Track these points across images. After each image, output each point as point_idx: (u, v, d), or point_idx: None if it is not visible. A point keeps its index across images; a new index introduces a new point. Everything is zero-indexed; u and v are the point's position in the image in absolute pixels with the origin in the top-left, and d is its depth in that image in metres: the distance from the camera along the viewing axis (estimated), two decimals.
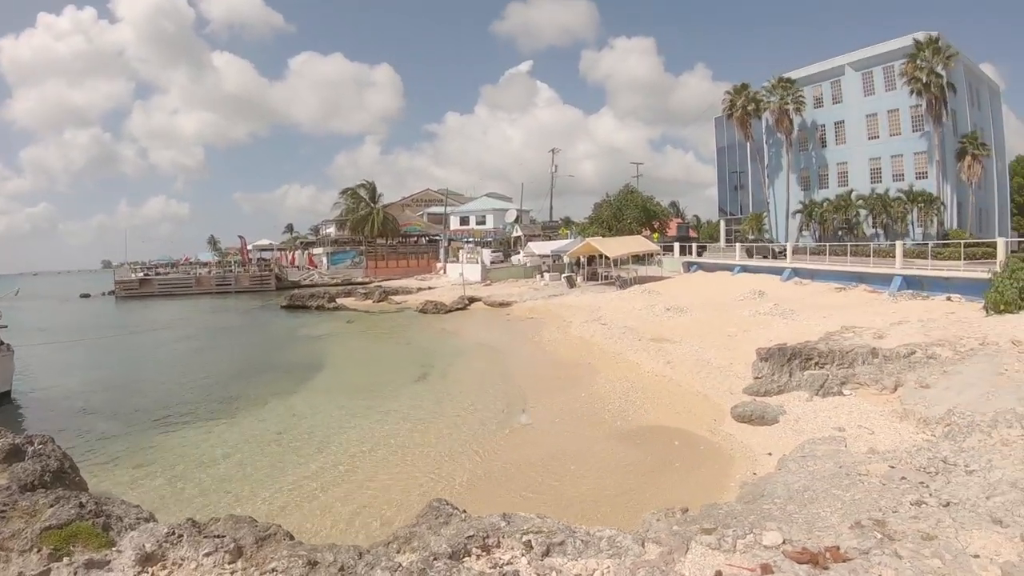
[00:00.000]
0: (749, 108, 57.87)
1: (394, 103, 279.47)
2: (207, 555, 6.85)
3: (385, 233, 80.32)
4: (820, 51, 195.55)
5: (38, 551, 7.22)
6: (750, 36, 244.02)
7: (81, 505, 8.07)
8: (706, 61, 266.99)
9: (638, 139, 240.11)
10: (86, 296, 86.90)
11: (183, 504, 11.97)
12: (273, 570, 6.50)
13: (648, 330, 26.68)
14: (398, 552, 6.48)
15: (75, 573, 6.78)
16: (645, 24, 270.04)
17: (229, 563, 6.71)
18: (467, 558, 6.02)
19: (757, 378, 17.30)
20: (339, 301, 51.31)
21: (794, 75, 57.46)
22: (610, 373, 20.88)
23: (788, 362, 16.89)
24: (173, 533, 7.33)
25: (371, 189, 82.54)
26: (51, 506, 8.20)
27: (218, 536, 7.22)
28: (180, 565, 6.90)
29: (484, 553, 6.10)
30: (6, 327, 23.51)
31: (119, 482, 12.74)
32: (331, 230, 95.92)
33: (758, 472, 11.50)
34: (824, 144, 57.42)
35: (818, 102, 57.41)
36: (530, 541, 6.28)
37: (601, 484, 12.23)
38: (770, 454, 12.35)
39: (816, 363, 16.75)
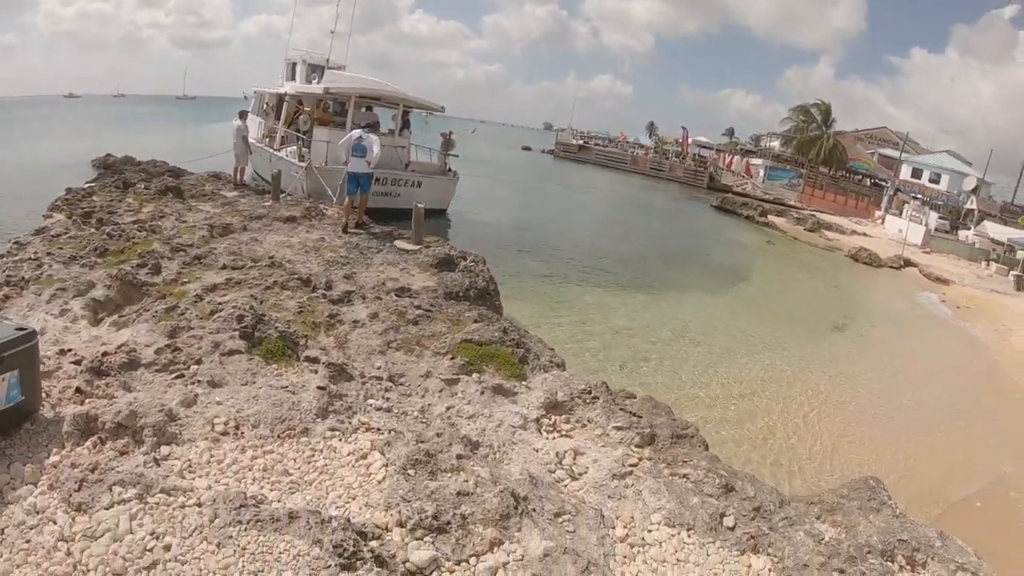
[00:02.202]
0: None
1: (854, 24, 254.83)
2: (617, 428, 6.13)
3: (830, 162, 74.52)
4: None
5: (452, 358, 6.93)
6: None
7: (504, 331, 7.67)
8: None
9: None
10: (527, 149, 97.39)
11: (584, 363, 11.57)
12: (685, 476, 5.56)
13: None
14: (818, 519, 5.31)
15: (482, 392, 6.39)
16: None
17: (637, 446, 5.93)
18: (889, 563, 4.69)
19: None
20: (769, 218, 48.95)
21: None
22: None
23: None
24: (590, 392, 6.68)
25: (825, 111, 76.55)
26: (476, 321, 7.96)
27: (634, 414, 6.44)
28: (585, 426, 6.29)
29: (908, 567, 4.71)
30: (457, 156, 26.16)
31: (527, 319, 12.66)
32: (775, 144, 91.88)
33: None
34: None
35: None
36: None
37: None
38: None
39: None
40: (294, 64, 28.73)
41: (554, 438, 6.03)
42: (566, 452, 5.67)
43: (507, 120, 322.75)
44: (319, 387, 5.50)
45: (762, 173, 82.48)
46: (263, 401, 5.18)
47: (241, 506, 3.86)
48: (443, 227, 21.83)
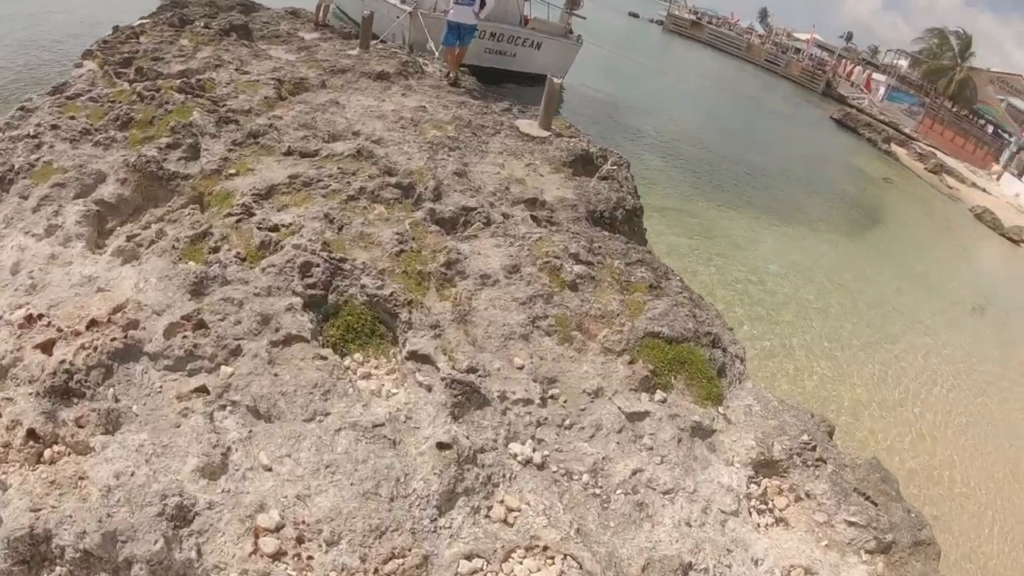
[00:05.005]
0: None
1: None
2: (849, 523, 3.95)
3: (957, 98, 68.50)
4: None
5: (630, 362, 4.45)
6: None
7: (694, 315, 5.14)
8: None
9: None
10: (634, 16, 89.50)
11: (741, 331, 8.99)
12: None
13: None
14: None
15: (679, 441, 4.07)
16: None
17: (868, 552, 3.90)
18: None
19: None
20: (892, 146, 44.62)
21: None
22: None
23: None
24: (813, 448, 4.33)
25: (965, 43, 70.48)
26: (651, 287, 5.40)
27: (868, 497, 4.11)
28: (800, 500, 4.11)
29: None
30: (585, 19, 22.68)
31: (665, 253, 10.02)
32: (902, 63, 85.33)
33: None
34: None
35: None
36: None
37: None
38: None
39: None
40: None
41: (768, 525, 3.91)
42: (792, 571, 3.63)
43: None
44: (440, 444, 3.08)
45: (882, 91, 77.08)
46: (343, 474, 2.81)
47: None
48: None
